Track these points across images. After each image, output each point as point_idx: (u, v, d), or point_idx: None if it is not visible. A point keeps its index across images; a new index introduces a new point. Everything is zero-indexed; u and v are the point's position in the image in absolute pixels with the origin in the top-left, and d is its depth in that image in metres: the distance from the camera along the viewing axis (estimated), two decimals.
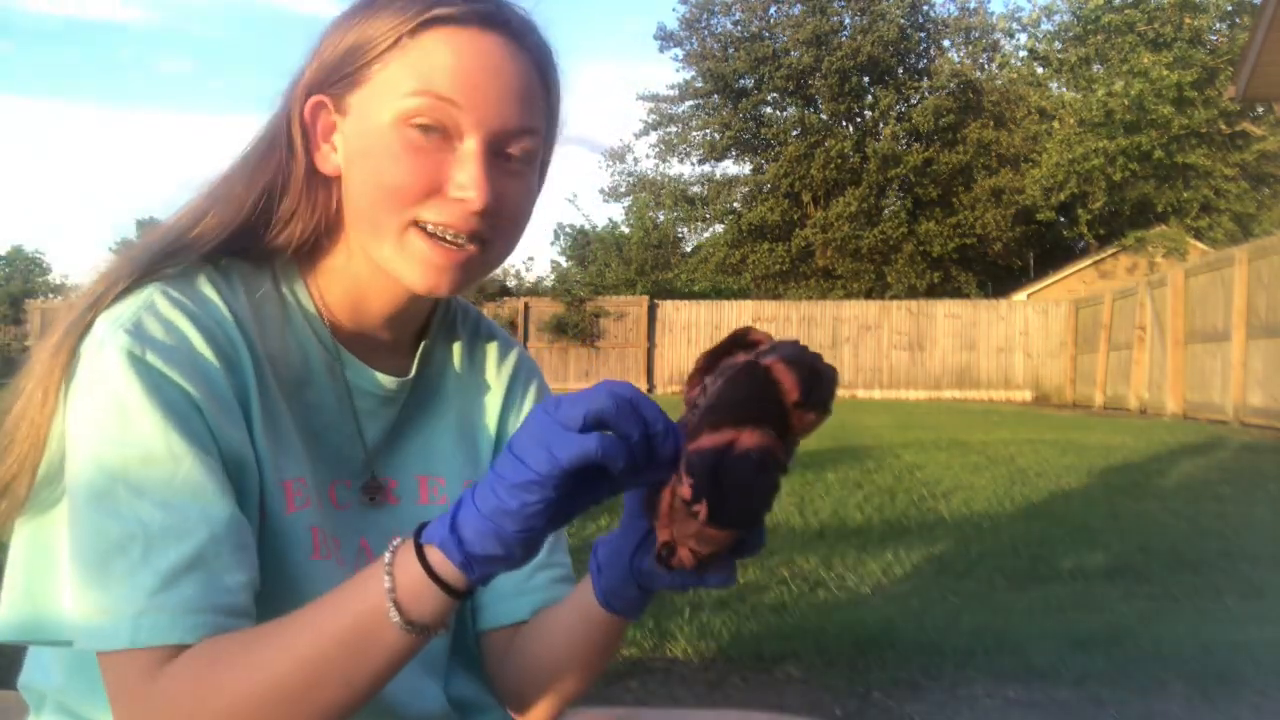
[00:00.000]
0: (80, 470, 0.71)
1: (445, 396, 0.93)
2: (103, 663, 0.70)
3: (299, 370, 0.83)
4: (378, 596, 0.65)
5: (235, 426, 0.76)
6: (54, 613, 0.76)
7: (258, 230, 0.81)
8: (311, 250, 0.84)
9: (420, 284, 0.80)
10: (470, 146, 0.77)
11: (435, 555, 0.64)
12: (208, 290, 0.79)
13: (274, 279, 0.83)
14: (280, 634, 0.68)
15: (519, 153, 0.80)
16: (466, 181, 0.76)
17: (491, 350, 0.97)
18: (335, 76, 0.80)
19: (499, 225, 0.80)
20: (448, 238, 0.78)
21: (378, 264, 0.82)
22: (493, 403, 0.96)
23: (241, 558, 0.72)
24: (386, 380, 0.87)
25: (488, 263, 0.82)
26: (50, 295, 26.80)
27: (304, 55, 0.83)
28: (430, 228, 0.78)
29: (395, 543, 0.66)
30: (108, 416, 0.71)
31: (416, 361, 0.90)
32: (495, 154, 0.78)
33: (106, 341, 0.73)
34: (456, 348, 0.95)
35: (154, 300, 0.76)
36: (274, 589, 0.77)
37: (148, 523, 0.69)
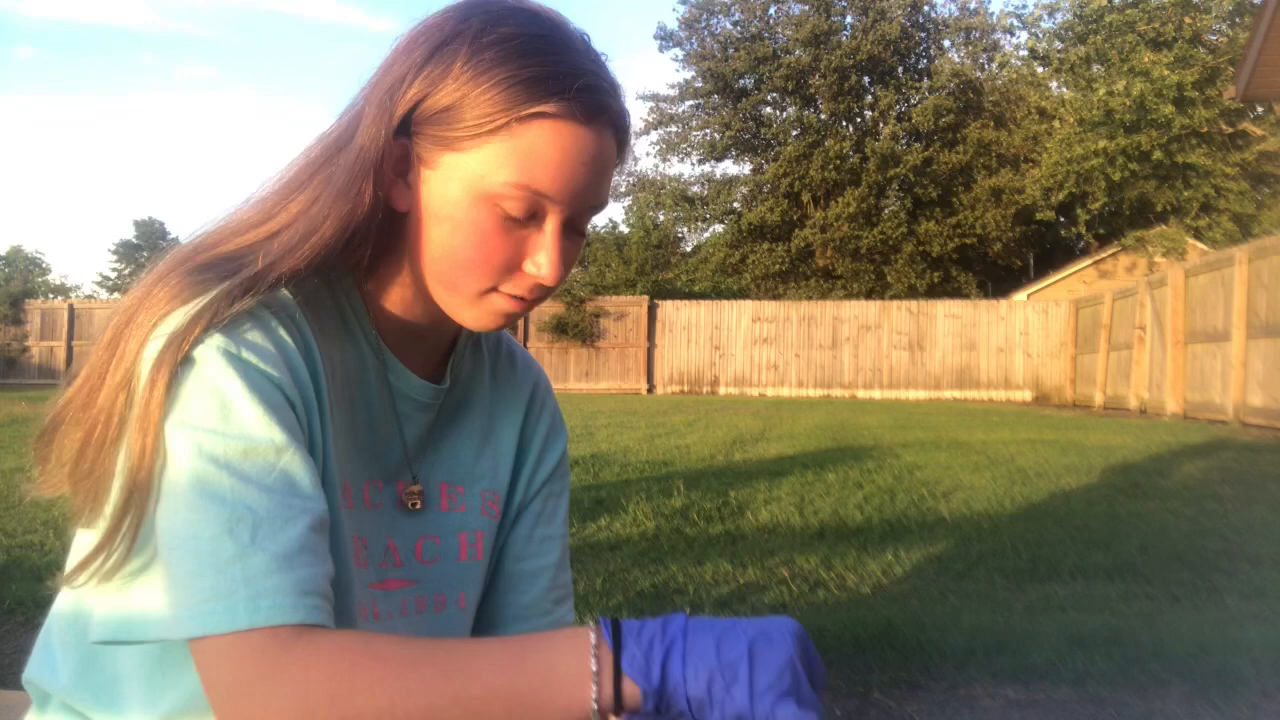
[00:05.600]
0: (180, 462, 0.70)
1: (470, 408, 0.95)
2: (206, 651, 0.67)
3: (352, 371, 0.85)
4: (579, 690, 0.65)
5: (315, 425, 0.78)
6: (147, 610, 0.74)
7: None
8: (368, 261, 0.84)
9: (480, 328, 0.84)
10: (550, 228, 0.79)
11: (630, 689, 0.65)
12: (284, 294, 0.80)
13: (328, 284, 0.84)
14: (450, 662, 0.66)
15: (587, 222, 0.83)
16: (544, 262, 0.79)
17: (514, 366, 1.01)
18: (428, 129, 0.77)
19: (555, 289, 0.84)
20: (515, 299, 0.82)
21: (436, 301, 0.84)
22: (514, 418, 0.99)
23: (328, 551, 0.73)
24: (427, 386, 0.90)
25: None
26: (50, 295, 26.81)
27: (385, 80, 0.78)
28: (502, 292, 0.81)
29: (594, 644, 0.66)
30: (208, 408, 0.71)
31: (449, 371, 0.92)
32: (570, 228, 0.81)
33: (200, 344, 0.72)
34: (481, 361, 0.97)
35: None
36: None
37: (254, 507, 0.69)
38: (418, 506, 0.89)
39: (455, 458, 0.93)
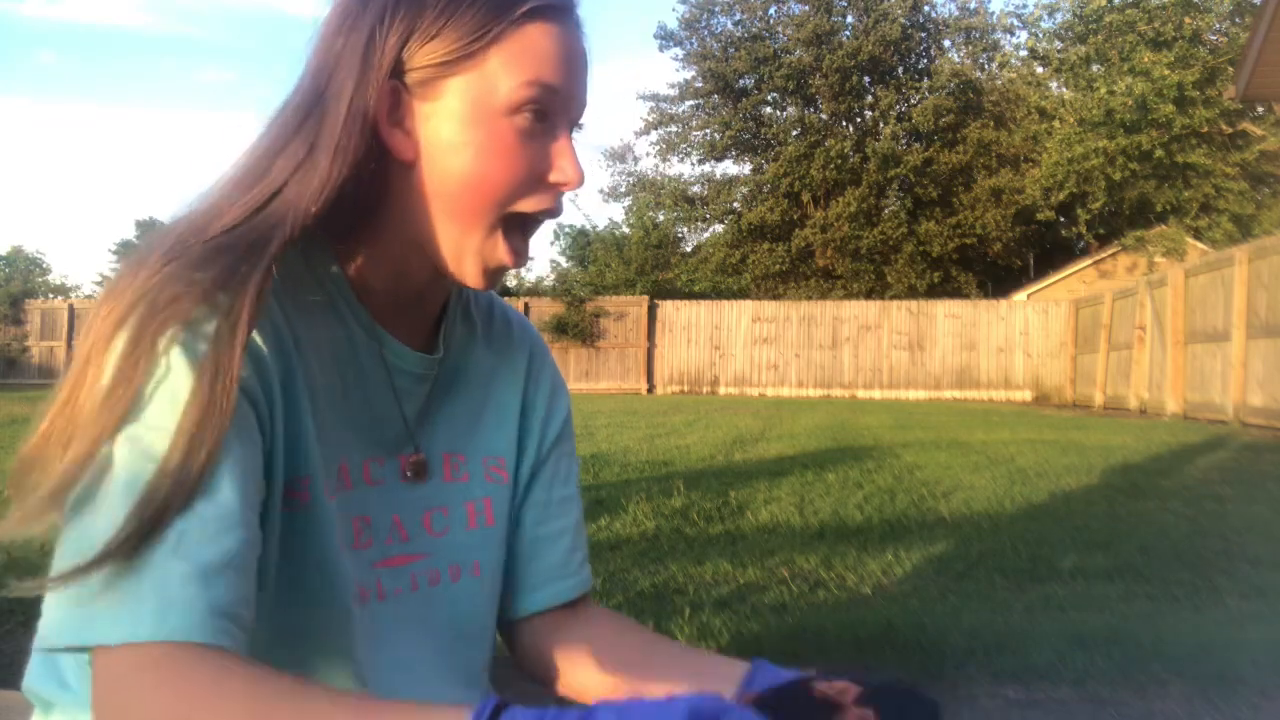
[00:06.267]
0: (119, 453, 0.65)
1: (465, 375, 0.94)
2: (102, 660, 0.62)
3: (341, 349, 0.83)
4: None
5: (279, 421, 0.75)
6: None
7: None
8: (345, 228, 0.82)
9: (479, 283, 0.82)
10: (563, 132, 0.81)
11: None
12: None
13: (305, 257, 0.81)
14: (316, 710, 0.60)
15: (576, 125, 0.85)
16: (567, 166, 0.81)
17: (509, 331, 1.00)
18: (422, 61, 0.77)
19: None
20: (541, 219, 0.82)
21: (426, 250, 0.81)
22: (513, 382, 0.98)
23: (253, 576, 0.68)
24: (423, 358, 0.88)
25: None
26: (50, 295, 26.79)
27: (355, 32, 0.77)
28: (525, 216, 0.81)
29: None
30: (158, 403, 0.66)
31: (442, 340, 0.91)
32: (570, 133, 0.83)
33: (165, 340, 0.68)
34: (473, 328, 0.96)
35: None
36: (303, 574, 0.77)
37: (190, 506, 0.65)
38: (421, 476, 0.88)
39: (454, 427, 0.92)
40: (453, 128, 0.78)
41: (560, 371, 1.04)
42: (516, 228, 0.82)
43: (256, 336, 0.73)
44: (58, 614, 0.65)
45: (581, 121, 0.85)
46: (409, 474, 0.87)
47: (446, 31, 0.77)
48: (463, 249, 0.81)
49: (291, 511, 0.77)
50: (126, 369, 0.67)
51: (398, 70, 0.77)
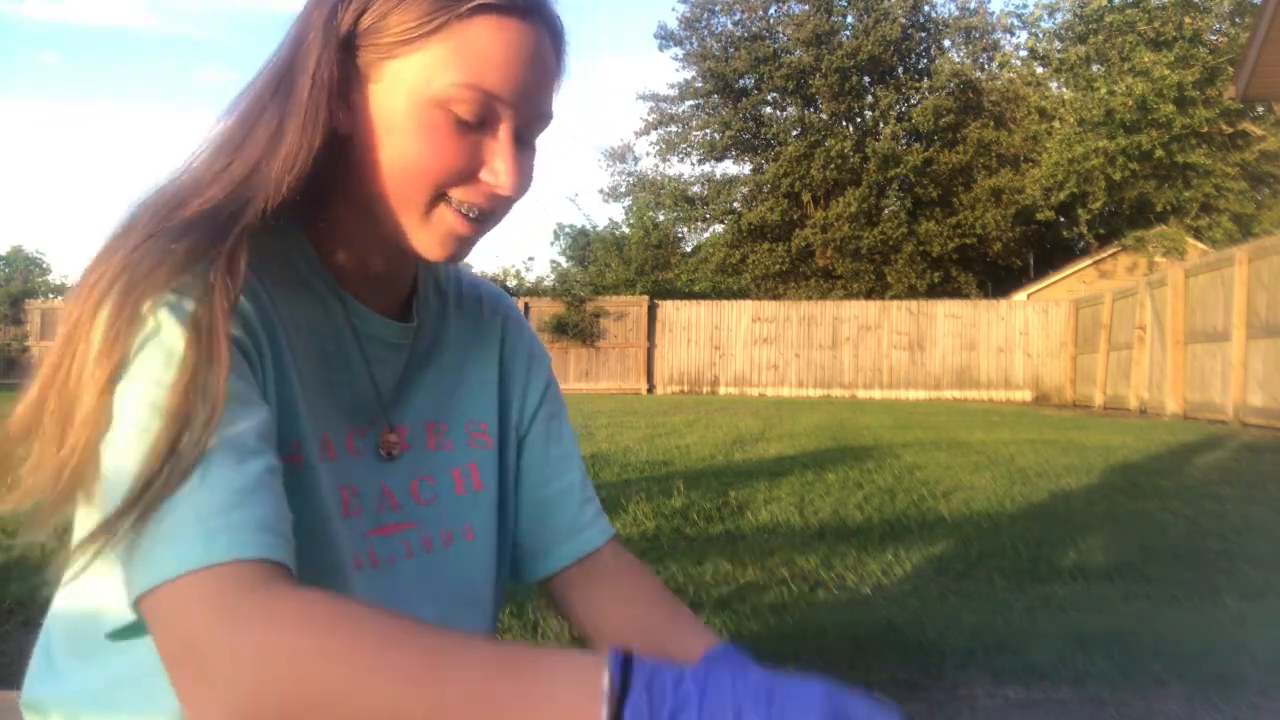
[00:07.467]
0: (123, 410, 0.65)
1: (441, 345, 0.95)
2: (154, 606, 0.60)
3: (316, 322, 0.83)
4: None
5: (271, 383, 0.76)
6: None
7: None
8: (307, 201, 0.81)
9: (437, 254, 0.81)
10: (504, 134, 0.79)
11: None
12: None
13: (274, 232, 0.80)
14: (432, 653, 0.57)
15: (535, 134, 0.83)
16: (501, 169, 0.79)
17: (480, 299, 1.00)
18: (369, 39, 0.77)
19: (514, 201, 0.83)
20: (470, 215, 0.80)
21: (375, 225, 0.81)
22: (489, 350, 0.98)
23: (284, 496, 0.68)
24: (394, 325, 0.88)
25: (490, 230, 0.85)
26: (50, 295, 26.77)
27: (324, 4, 0.77)
28: (455, 204, 0.80)
29: (605, 689, 0.55)
30: (155, 360, 0.67)
31: (416, 311, 0.92)
32: (520, 139, 0.81)
33: (152, 303, 0.69)
34: (445, 299, 0.97)
35: None
36: (299, 540, 0.75)
37: (207, 448, 0.64)
38: (393, 454, 0.88)
39: (434, 396, 0.92)
40: (389, 112, 0.77)
41: (538, 337, 1.04)
42: (452, 208, 0.80)
43: (244, 301, 0.74)
44: (115, 588, 0.64)
45: (538, 127, 0.82)
46: (382, 451, 0.87)
47: (396, 13, 0.75)
48: (404, 226, 0.80)
49: (286, 474, 0.76)
50: (114, 335, 0.67)
51: (350, 44, 0.77)
